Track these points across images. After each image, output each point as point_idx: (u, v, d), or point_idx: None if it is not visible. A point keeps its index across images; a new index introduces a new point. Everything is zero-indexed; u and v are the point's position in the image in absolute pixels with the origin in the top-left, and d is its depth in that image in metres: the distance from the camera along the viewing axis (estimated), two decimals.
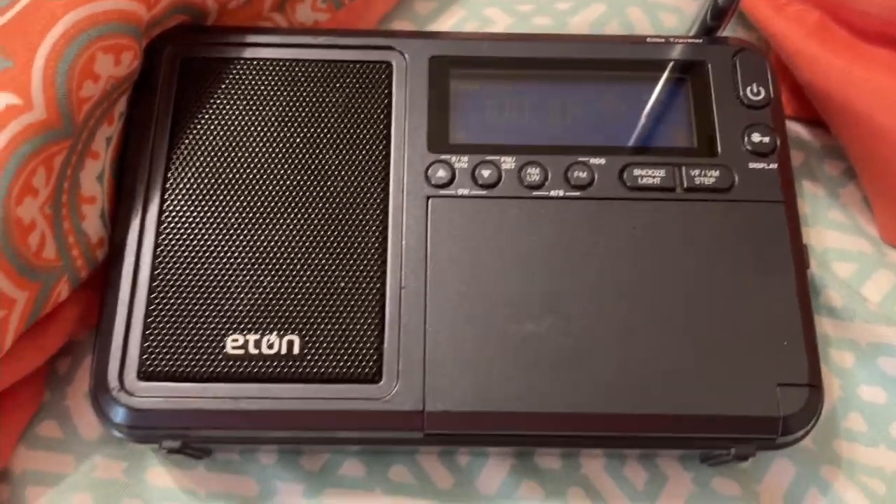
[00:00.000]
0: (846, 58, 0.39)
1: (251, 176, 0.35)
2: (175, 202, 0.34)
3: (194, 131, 0.35)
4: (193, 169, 0.35)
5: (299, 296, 0.33)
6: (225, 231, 0.34)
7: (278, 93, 0.36)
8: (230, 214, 0.34)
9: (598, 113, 0.36)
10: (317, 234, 0.34)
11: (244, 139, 0.35)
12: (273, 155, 0.35)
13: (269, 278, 0.33)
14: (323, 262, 0.33)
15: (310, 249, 0.34)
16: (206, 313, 0.33)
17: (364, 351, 0.32)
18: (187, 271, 0.33)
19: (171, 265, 0.33)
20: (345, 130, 0.35)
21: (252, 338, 0.32)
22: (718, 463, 0.35)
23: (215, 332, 0.32)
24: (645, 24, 0.45)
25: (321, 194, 0.34)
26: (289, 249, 0.33)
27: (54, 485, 0.35)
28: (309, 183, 0.35)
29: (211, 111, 0.36)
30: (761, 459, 0.36)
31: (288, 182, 0.34)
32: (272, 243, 0.34)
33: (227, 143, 0.35)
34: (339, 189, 0.34)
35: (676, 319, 0.33)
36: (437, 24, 0.46)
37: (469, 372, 0.32)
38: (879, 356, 0.38)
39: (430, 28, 0.46)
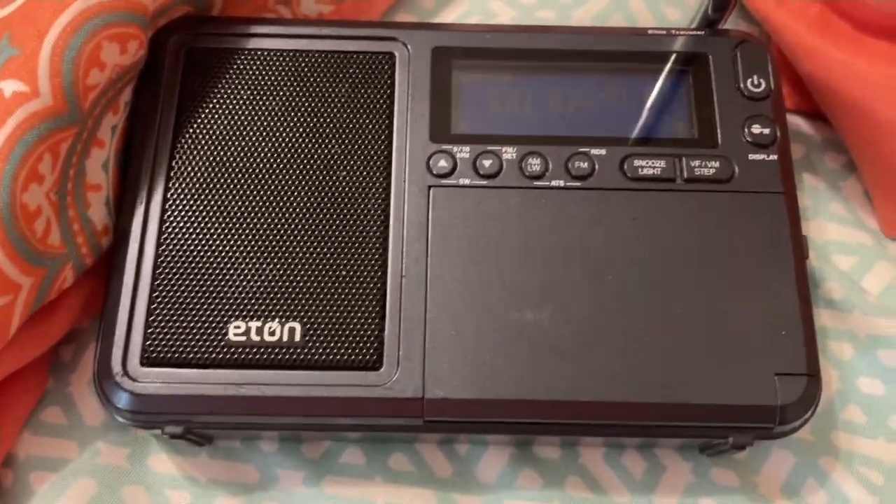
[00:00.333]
0: (847, 50, 0.39)
1: (255, 165, 0.35)
2: (179, 191, 0.34)
3: (199, 121, 0.36)
4: (197, 158, 0.35)
5: (301, 283, 0.33)
6: (228, 219, 0.34)
7: (282, 83, 0.36)
8: (233, 203, 0.34)
9: (600, 104, 0.37)
10: (319, 222, 0.34)
11: (248, 129, 0.35)
12: (276, 144, 0.35)
13: (271, 266, 0.33)
14: (325, 250, 0.34)
15: (312, 238, 0.34)
16: (209, 300, 0.33)
17: (365, 338, 0.33)
18: (190, 259, 0.33)
19: (174, 253, 0.33)
20: (348, 120, 0.36)
21: (254, 325, 0.33)
22: (717, 453, 0.35)
23: (218, 319, 0.33)
24: (647, 17, 0.45)
25: (324, 183, 0.35)
26: (291, 237, 0.34)
27: (58, 470, 0.35)
28: (312, 172, 0.35)
29: (215, 101, 0.36)
30: (759, 450, 0.37)
31: (291, 171, 0.35)
32: (275, 231, 0.34)
33: (231, 133, 0.35)
34: (341, 178, 0.35)
35: (675, 309, 0.33)
36: (441, 16, 0.46)
37: (469, 360, 0.32)
38: (879, 348, 0.38)
39: (435, 20, 0.46)
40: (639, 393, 0.32)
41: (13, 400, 0.35)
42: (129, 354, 0.32)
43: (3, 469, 0.35)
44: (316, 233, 0.34)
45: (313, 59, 0.37)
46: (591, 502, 0.36)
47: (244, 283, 0.33)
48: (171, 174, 0.35)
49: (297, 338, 0.32)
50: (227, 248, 0.34)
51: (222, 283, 0.33)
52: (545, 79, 0.37)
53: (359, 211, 0.34)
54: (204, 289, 0.33)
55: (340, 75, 0.37)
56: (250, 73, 0.36)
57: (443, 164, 0.35)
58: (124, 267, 0.33)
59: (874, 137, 0.39)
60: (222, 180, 0.35)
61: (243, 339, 0.32)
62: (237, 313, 0.33)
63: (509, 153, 0.35)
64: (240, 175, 0.35)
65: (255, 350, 0.32)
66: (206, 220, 0.34)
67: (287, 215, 0.34)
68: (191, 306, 0.33)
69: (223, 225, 0.34)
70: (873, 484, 0.36)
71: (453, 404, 0.32)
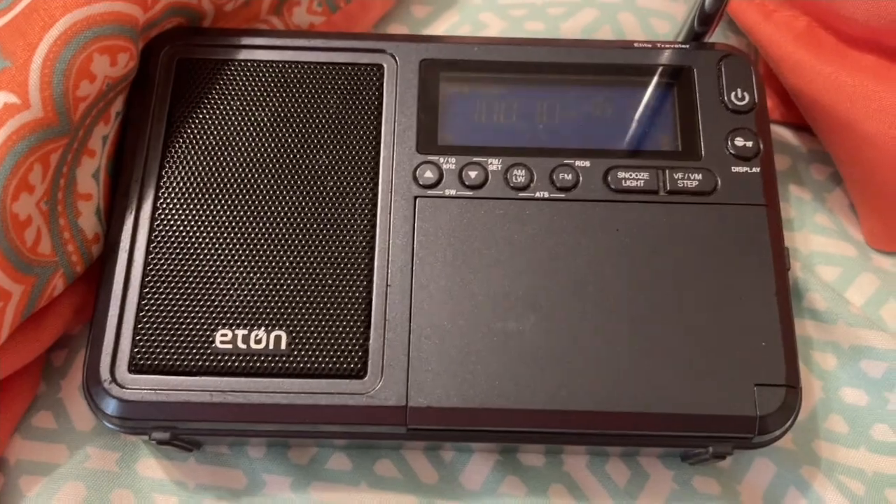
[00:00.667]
0: (833, 64, 0.39)
1: (244, 175, 0.35)
2: (169, 200, 0.35)
3: (189, 131, 0.36)
4: (187, 168, 0.35)
5: (287, 292, 0.34)
6: (216, 229, 0.34)
7: (271, 94, 0.37)
8: (222, 213, 0.35)
9: (585, 116, 0.37)
10: (306, 232, 0.35)
11: (238, 139, 0.36)
12: (265, 155, 0.36)
13: (258, 275, 0.34)
14: (311, 259, 0.34)
15: (299, 247, 0.34)
16: (196, 309, 0.33)
17: (349, 347, 0.33)
18: (179, 268, 0.34)
19: (163, 262, 0.34)
20: (336, 131, 0.36)
21: (240, 333, 0.33)
22: (698, 462, 0.35)
23: (205, 327, 0.33)
24: (636, 29, 0.46)
25: (311, 193, 0.35)
26: (278, 247, 0.34)
27: (47, 474, 0.36)
28: (300, 182, 0.35)
29: (206, 111, 0.36)
30: (742, 459, 0.37)
31: (279, 181, 0.35)
32: (262, 241, 0.34)
33: (221, 143, 0.36)
34: (329, 188, 0.35)
35: (657, 319, 0.33)
36: (433, 27, 0.46)
37: (452, 369, 0.33)
38: (862, 359, 0.38)
39: (425, 32, 0.46)
40: (620, 402, 0.32)
41: (4, 404, 0.36)
42: (117, 361, 0.33)
43: None
44: (302, 242, 0.34)
45: (302, 71, 0.37)
46: None
47: (231, 292, 0.34)
48: (161, 184, 0.35)
49: (283, 346, 0.33)
50: (215, 257, 0.34)
51: (210, 291, 0.34)
52: (531, 91, 0.37)
53: (345, 221, 0.35)
54: (191, 297, 0.33)
55: (329, 86, 0.37)
56: (240, 83, 0.37)
57: (429, 174, 0.36)
58: (114, 275, 0.34)
59: (859, 150, 0.39)
60: (211, 190, 0.35)
61: (230, 346, 0.33)
62: (224, 321, 0.33)
63: (494, 165, 0.36)
64: (228, 185, 0.35)
65: (241, 358, 0.33)
66: (195, 229, 0.35)
67: (274, 225, 0.35)
68: (178, 314, 0.33)
69: (211, 234, 0.34)
70: (854, 494, 0.36)
71: (436, 413, 0.32)
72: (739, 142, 0.36)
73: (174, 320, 0.33)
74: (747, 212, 0.35)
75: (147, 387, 0.32)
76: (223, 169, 0.35)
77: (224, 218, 0.35)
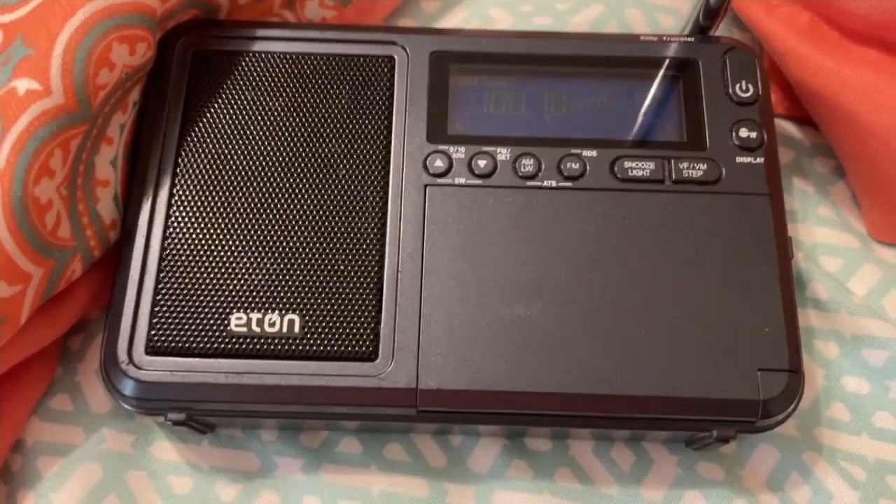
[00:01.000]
0: (835, 58, 0.40)
1: (257, 163, 0.36)
2: (184, 187, 0.36)
3: (204, 120, 0.37)
4: (203, 156, 0.36)
5: (301, 278, 0.34)
6: (231, 215, 0.35)
7: (285, 85, 0.38)
8: (237, 199, 0.36)
9: (592, 108, 0.38)
10: (319, 219, 0.35)
11: (251, 128, 0.37)
12: (279, 144, 0.36)
13: (272, 261, 0.35)
14: (324, 245, 0.35)
15: (312, 234, 0.35)
16: (212, 292, 0.34)
17: (361, 331, 0.34)
18: (194, 253, 0.35)
19: (179, 246, 0.35)
20: (348, 121, 0.37)
21: (255, 316, 0.34)
22: (702, 446, 0.36)
23: (220, 311, 0.34)
24: (642, 24, 0.47)
25: (324, 181, 0.36)
26: (292, 233, 0.35)
27: (64, 455, 0.36)
28: (313, 171, 0.36)
29: (220, 101, 0.37)
30: (745, 445, 0.38)
31: (293, 169, 0.36)
32: (276, 227, 0.35)
33: (235, 132, 0.37)
34: (341, 177, 0.36)
35: (662, 306, 0.34)
36: (442, 22, 0.47)
37: (461, 352, 0.33)
38: (863, 347, 0.39)
39: (435, 26, 0.47)
40: (625, 386, 0.33)
41: (22, 387, 0.37)
42: (134, 343, 0.33)
43: (12, 454, 0.37)
44: (315, 229, 0.35)
45: (315, 62, 0.38)
46: (580, 494, 0.37)
47: (246, 277, 0.34)
48: (177, 171, 0.36)
49: (296, 329, 0.34)
50: (230, 242, 0.35)
51: (225, 276, 0.34)
52: (539, 82, 0.38)
53: (357, 208, 0.36)
54: (207, 281, 0.34)
55: (341, 78, 0.38)
56: (254, 74, 0.38)
57: (439, 163, 0.36)
58: (131, 260, 0.35)
59: (861, 143, 0.40)
60: (226, 178, 0.36)
61: (244, 329, 0.34)
62: (239, 305, 0.34)
63: (503, 154, 0.36)
64: (243, 173, 0.36)
65: (255, 340, 0.34)
66: (210, 215, 0.35)
67: (288, 212, 0.35)
68: (194, 298, 0.34)
69: (226, 220, 0.35)
70: (856, 479, 0.37)
71: (446, 395, 0.33)
72: (744, 133, 0.37)
73: (190, 303, 0.34)
74: (751, 201, 0.36)
75: (163, 368, 0.33)
76: (238, 157, 0.36)
77: (239, 205, 0.35)
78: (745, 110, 0.37)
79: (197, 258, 0.35)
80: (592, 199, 0.36)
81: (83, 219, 0.35)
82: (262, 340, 0.34)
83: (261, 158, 0.36)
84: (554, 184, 0.36)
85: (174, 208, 0.35)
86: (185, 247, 0.35)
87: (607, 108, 0.38)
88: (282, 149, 0.36)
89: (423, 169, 0.36)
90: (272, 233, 0.35)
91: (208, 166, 0.36)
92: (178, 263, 0.35)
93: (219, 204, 0.36)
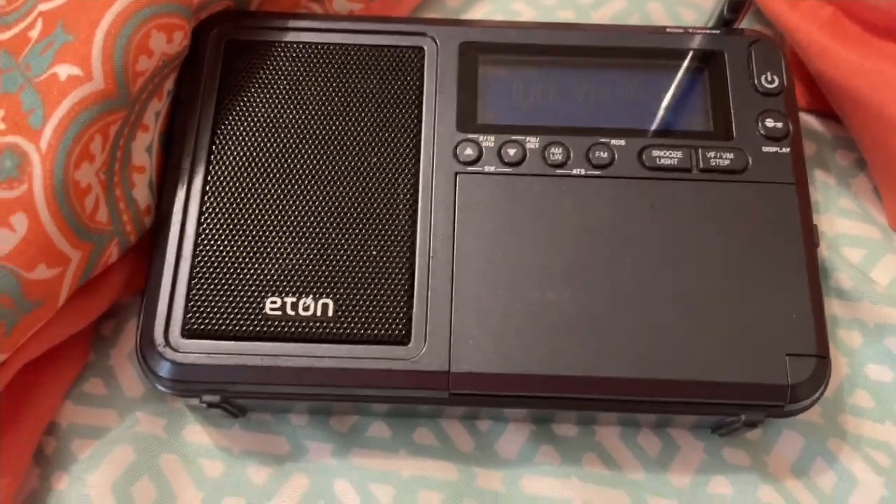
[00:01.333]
0: (857, 51, 0.41)
1: (290, 150, 0.37)
2: (218, 174, 0.36)
3: (237, 108, 0.37)
4: (236, 143, 0.37)
5: (334, 262, 0.35)
6: (265, 201, 0.36)
7: (317, 74, 0.38)
8: (270, 186, 0.36)
9: (619, 98, 0.38)
10: (352, 206, 0.36)
11: (284, 117, 0.37)
12: (311, 132, 0.37)
13: (306, 246, 0.35)
14: (357, 231, 0.35)
15: (345, 220, 0.36)
16: (247, 277, 0.35)
17: (394, 315, 0.34)
18: (229, 238, 0.35)
19: (214, 231, 0.35)
20: (379, 110, 0.38)
21: (289, 300, 0.34)
22: (729, 432, 0.36)
23: (255, 294, 0.34)
24: (664, 18, 0.47)
25: (356, 169, 0.36)
26: (325, 220, 0.36)
27: (98, 437, 0.37)
28: (345, 159, 0.37)
29: (253, 90, 0.38)
30: (770, 432, 0.38)
31: (325, 157, 0.37)
32: (309, 214, 0.36)
33: (268, 120, 0.37)
34: (373, 165, 0.37)
35: (690, 291, 0.34)
36: (466, 16, 0.48)
37: (492, 336, 0.34)
38: (886, 336, 0.39)
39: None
40: (655, 370, 0.33)
41: (56, 370, 0.37)
42: (170, 327, 0.34)
43: (46, 437, 0.37)
44: (348, 215, 0.36)
45: (346, 53, 0.39)
46: (606, 478, 0.37)
47: (280, 262, 0.35)
48: (211, 158, 0.37)
49: (330, 313, 0.34)
50: (264, 228, 0.35)
51: (259, 261, 0.35)
52: (567, 73, 0.39)
53: (389, 195, 0.36)
54: (242, 266, 0.35)
55: (372, 68, 0.38)
56: (286, 64, 0.38)
57: (469, 152, 0.37)
58: (166, 245, 0.35)
59: (883, 135, 0.40)
60: (259, 165, 0.36)
61: (279, 313, 0.34)
62: (273, 289, 0.34)
63: (532, 143, 0.37)
64: (276, 160, 0.36)
65: (289, 324, 0.34)
66: (244, 201, 0.36)
67: (321, 199, 0.36)
68: (229, 282, 0.35)
69: (260, 207, 0.36)
70: (880, 465, 0.37)
71: (478, 378, 0.33)
72: (770, 123, 0.37)
73: (225, 288, 0.34)
74: (777, 190, 0.36)
75: (199, 351, 0.34)
76: (271, 145, 0.37)
77: (272, 191, 0.36)
78: (771, 101, 0.38)
79: (232, 243, 0.35)
80: (621, 187, 0.36)
81: (120, 204, 0.35)
82: (297, 324, 0.34)
83: (293, 146, 0.37)
84: (583, 172, 0.36)
85: (208, 194, 0.36)
86: (220, 232, 0.35)
87: (635, 98, 0.38)
88: (314, 137, 0.37)
89: (453, 157, 0.37)
90: (306, 219, 0.36)
91: (241, 154, 0.37)
92: (214, 248, 0.35)
93: (252, 190, 0.36)
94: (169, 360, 0.33)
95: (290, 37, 0.39)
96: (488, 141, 0.37)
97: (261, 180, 0.36)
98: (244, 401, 0.36)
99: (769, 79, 0.38)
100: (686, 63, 0.39)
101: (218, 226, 0.35)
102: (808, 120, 0.45)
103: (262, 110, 0.37)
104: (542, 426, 0.38)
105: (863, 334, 0.40)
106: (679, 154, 0.37)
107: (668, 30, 0.40)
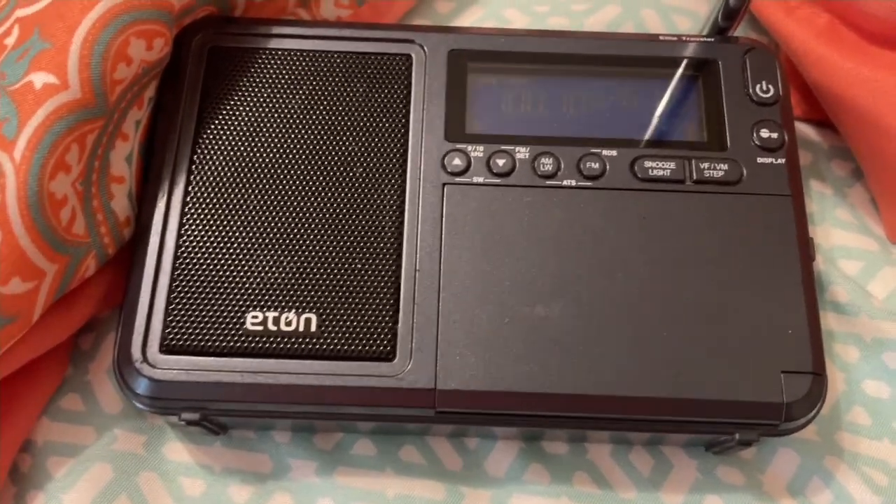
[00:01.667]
0: (854, 60, 0.40)
1: (274, 161, 0.36)
2: (200, 185, 0.35)
3: (220, 117, 0.37)
4: (218, 153, 0.36)
5: (317, 276, 0.34)
6: (247, 213, 0.35)
7: (302, 82, 0.37)
8: (252, 197, 0.35)
9: (611, 107, 0.37)
10: (336, 217, 0.35)
11: (268, 126, 0.36)
12: (296, 141, 0.36)
13: (288, 258, 0.34)
14: (341, 244, 0.34)
15: (329, 232, 0.35)
16: (228, 291, 0.34)
17: (379, 330, 0.33)
18: (210, 250, 0.34)
19: (194, 244, 0.34)
20: (366, 119, 0.37)
21: (271, 315, 0.33)
22: (723, 450, 0.35)
23: (236, 309, 0.33)
24: (659, 25, 0.46)
25: (341, 180, 0.36)
26: (309, 231, 0.35)
27: (75, 455, 0.36)
28: (330, 169, 0.36)
29: (236, 98, 0.37)
30: (765, 450, 0.37)
31: (309, 167, 0.36)
32: (293, 225, 0.35)
33: (252, 130, 0.36)
34: (358, 175, 0.36)
35: (683, 306, 0.34)
36: (456, 22, 0.47)
37: (480, 352, 0.33)
38: (884, 351, 0.38)
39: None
40: (647, 388, 0.33)
41: (33, 386, 0.36)
42: (148, 342, 0.33)
43: (22, 454, 0.36)
44: (333, 227, 0.35)
45: (332, 60, 0.38)
46: (598, 498, 0.36)
47: (262, 275, 0.34)
48: (193, 168, 0.36)
49: (313, 328, 0.33)
50: (246, 240, 0.34)
51: (240, 274, 0.34)
52: (558, 81, 0.38)
53: (375, 206, 0.35)
54: (222, 279, 0.34)
55: (358, 75, 0.37)
56: (271, 72, 0.37)
57: (457, 162, 0.36)
58: (145, 257, 0.34)
59: (880, 145, 0.40)
60: (242, 175, 0.35)
61: (260, 328, 0.33)
62: (255, 303, 0.33)
63: (522, 153, 0.36)
64: (259, 170, 0.36)
65: (271, 339, 0.33)
66: (226, 213, 0.35)
67: (305, 210, 0.35)
68: (209, 296, 0.34)
69: (242, 218, 0.35)
70: (878, 484, 0.36)
71: (464, 396, 0.33)
72: (765, 133, 0.36)
73: (205, 302, 0.33)
74: (772, 202, 0.35)
75: (178, 367, 0.33)
76: (254, 155, 0.36)
77: (255, 202, 0.35)
78: (766, 111, 0.37)
79: (212, 256, 0.34)
80: (612, 198, 0.35)
81: (98, 215, 0.34)
82: (279, 339, 0.33)
83: (277, 156, 0.36)
84: (573, 183, 0.36)
85: (189, 206, 0.35)
86: (201, 244, 0.34)
87: (627, 108, 0.37)
88: (298, 146, 0.36)
89: (441, 167, 0.36)
90: (289, 231, 0.35)
91: (224, 163, 0.36)
92: (194, 261, 0.34)
93: (234, 201, 0.35)
94: (146, 376, 0.32)
95: (275, 43, 0.38)
96: (477, 151, 0.36)
97: (243, 191, 0.35)
98: (225, 418, 0.35)
99: (764, 88, 0.37)
100: (679, 72, 0.38)
101: (198, 238, 0.35)
102: (805, 129, 0.44)
103: (246, 119, 0.37)
104: (531, 444, 0.37)
105: (860, 349, 0.39)
106: (672, 165, 0.36)
107: (661, 38, 0.39)
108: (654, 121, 0.37)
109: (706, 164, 0.36)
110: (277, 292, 0.34)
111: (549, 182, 0.36)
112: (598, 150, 0.36)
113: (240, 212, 0.35)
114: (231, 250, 0.34)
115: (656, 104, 0.37)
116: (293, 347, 0.33)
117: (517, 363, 0.33)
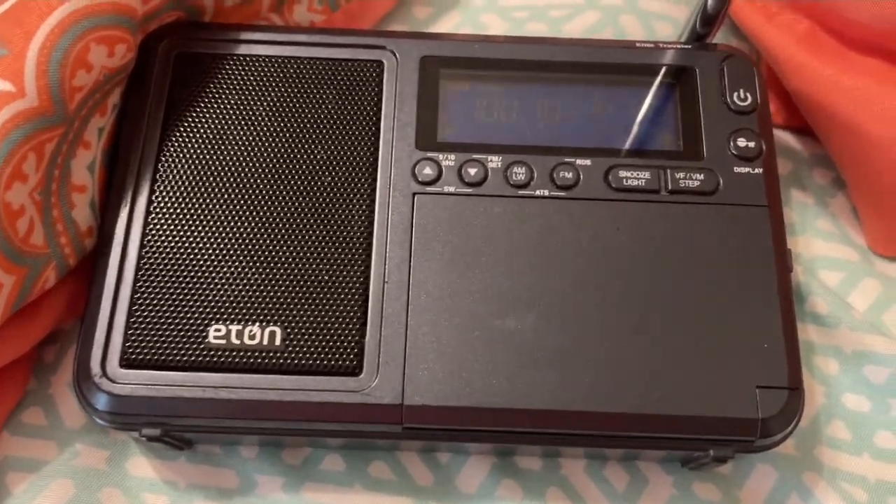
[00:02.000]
0: (835, 66, 0.39)
1: (241, 170, 0.35)
2: (164, 194, 0.35)
3: (186, 125, 0.36)
4: (183, 162, 0.35)
5: (283, 288, 0.33)
6: (212, 223, 0.34)
7: (270, 89, 0.36)
8: (218, 207, 0.34)
9: (586, 115, 0.37)
10: (303, 227, 0.34)
11: (235, 134, 0.36)
12: (263, 150, 0.35)
13: (253, 270, 0.33)
14: (308, 255, 0.34)
15: (295, 242, 0.34)
16: (190, 303, 0.33)
17: (345, 344, 0.33)
18: (173, 262, 0.33)
19: (157, 255, 0.33)
20: (335, 127, 0.36)
21: (234, 328, 0.33)
22: (698, 466, 0.35)
23: (198, 322, 0.33)
24: (638, 31, 0.46)
25: (309, 189, 0.35)
26: (274, 242, 0.34)
27: (35, 471, 0.35)
28: (297, 177, 0.35)
29: (203, 106, 0.36)
30: (742, 465, 0.36)
31: (276, 176, 0.35)
32: (258, 236, 0.34)
33: (219, 138, 0.35)
34: (327, 184, 0.35)
35: (658, 320, 0.33)
36: (433, 28, 0.46)
37: (449, 367, 0.32)
38: (865, 364, 0.38)
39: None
40: (620, 403, 0.32)
41: None
42: (108, 356, 0.32)
43: None
44: (299, 237, 0.34)
45: (302, 66, 0.37)
46: None
47: (226, 287, 0.33)
48: (157, 177, 0.35)
49: (278, 342, 0.32)
50: (210, 251, 0.34)
51: (204, 286, 0.33)
52: (532, 89, 0.37)
53: (343, 217, 0.34)
54: (185, 291, 0.33)
55: (328, 82, 0.37)
56: (239, 78, 0.37)
57: (428, 171, 0.35)
58: (107, 268, 0.33)
59: (862, 153, 0.39)
60: (207, 184, 0.35)
61: (223, 342, 0.32)
62: (218, 316, 0.33)
63: (494, 162, 0.35)
64: (225, 179, 0.35)
65: (234, 353, 0.32)
66: (190, 223, 0.34)
67: (271, 220, 0.34)
68: (172, 309, 0.33)
69: (206, 228, 0.34)
70: (857, 501, 0.35)
71: (432, 411, 0.32)
72: (742, 142, 0.36)
73: (167, 315, 0.33)
74: (749, 212, 0.35)
75: (138, 382, 0.32)
76: (220, 163, 0.35)
77: (220, 212, 0.34)
78: (743, 119, 0.36)
79: (175, 267, 0.33)
80: (586, 209, 0.35)
81: (57, 225, 0.33)
82: (242, 353, 0.32)
83: (244, 165, 0.35)
84: (546, 193, 0.35)
85: (153, 215, 0.34)
86: (164, 255, 0.34)
87: (602, 116, 0.37)
88: (266, 155, 0.35)
89: (411, 177, 0.35)
90: (254, 241, 0.34)
91: (189, 172, 0.35)
92: (156, 273, 0.33)
93: (199, 211, 0.34)
94: (106, 391, 0.32)
95: (243, 49, 0.37)
96: (448, 160, 0.35)
97: (208, 200, 0.34)
98: (189, 434, 0.34)
99: (742, 96, 0.37)
100: (656, 80, 0.37)
101: (161, 248, 0.34)
102: (785, 137, 0.44)
103: (212, 127, 0.36)
104: (504, 459, 0.36)
105: (840, 362, 0.38)
106: (647, 175, 0.35)
107: (637, 45, 0.38)
108: (630, 130, 0.36)
109: (682, 174, 0.35)
110: (241, 305, 0.33)
111: (521, 192, 0.35)
112: (572, 160, 0.35)
113: (204, 222, 0.34)
114: (194, 261, 0.33)
115: (632, 112, 0.37)
116: (257, 362, 0.32)
117: (487, 377, 0.32)
